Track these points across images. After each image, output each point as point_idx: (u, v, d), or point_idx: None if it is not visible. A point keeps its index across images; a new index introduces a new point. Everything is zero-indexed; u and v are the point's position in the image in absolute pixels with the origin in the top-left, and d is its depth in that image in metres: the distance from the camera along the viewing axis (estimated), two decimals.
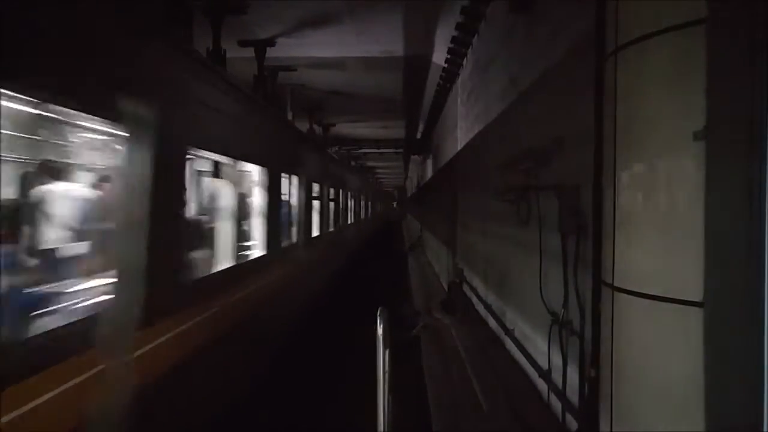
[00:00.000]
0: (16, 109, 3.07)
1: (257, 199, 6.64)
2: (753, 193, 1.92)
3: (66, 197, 3.82)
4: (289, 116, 12.32)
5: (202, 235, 5.34)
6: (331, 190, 13.03)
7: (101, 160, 4.23)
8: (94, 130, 3.84)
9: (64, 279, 3.62)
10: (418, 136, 20.42)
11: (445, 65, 9.92)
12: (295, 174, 8.75)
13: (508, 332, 5.63)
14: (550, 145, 4.29)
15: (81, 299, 3.49)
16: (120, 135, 3.30)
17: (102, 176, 4.23)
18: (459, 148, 10.53)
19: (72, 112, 3.23)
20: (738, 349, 1.96)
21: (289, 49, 9.45)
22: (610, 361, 2.52)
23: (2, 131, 3.09)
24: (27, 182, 3.76)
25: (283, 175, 7.75)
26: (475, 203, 8.26)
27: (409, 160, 30.14)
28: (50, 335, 2.76)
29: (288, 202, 8.39)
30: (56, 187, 3.83)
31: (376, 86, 12.58)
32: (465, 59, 9.24)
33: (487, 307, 7.03)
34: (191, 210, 5.19)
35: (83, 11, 2.91)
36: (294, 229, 8.79)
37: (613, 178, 2.53)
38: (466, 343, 7.52)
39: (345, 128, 18.64)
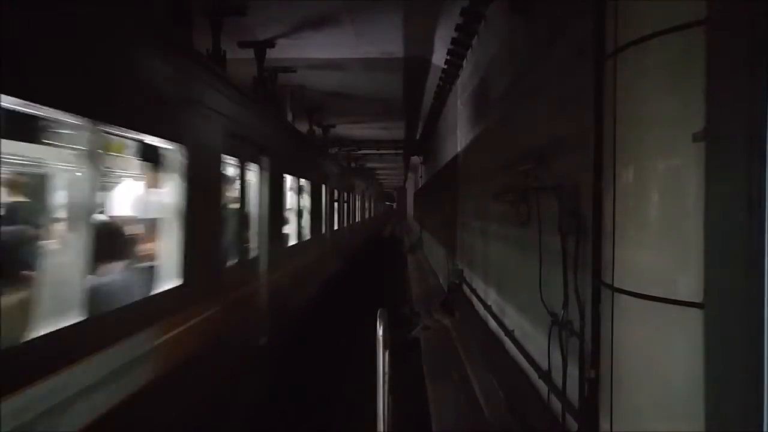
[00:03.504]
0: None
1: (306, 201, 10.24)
2: (753, 194, 1.92)
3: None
4: (289, 117, 12.32)
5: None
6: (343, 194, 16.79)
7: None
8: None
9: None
10: (418, 137, 20.41)
11: (445, 66, 9.92)
12: (325, 184, 12.29)
13: (508, 333, 5.62)
14: (550, 145, 4.30)
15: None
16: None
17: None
18: (459, 149, 10.54)
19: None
20: (738, 349, 1.96)
21: (288, 50, 9.45)
22: (610, 361, 2.52)
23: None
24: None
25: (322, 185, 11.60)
26: (475, 204, 8.27)
27: (408, 161, 30.14)
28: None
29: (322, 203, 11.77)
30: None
31: (376, 87, 12.59)
32: (465, 60, 9.25)
33: (487, 307, 7.02)
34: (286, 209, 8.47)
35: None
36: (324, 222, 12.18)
37: (613, 179, 2.53)
38: (465, 344, 7.51)
39: (345, 129, 18.63)
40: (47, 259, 2.86)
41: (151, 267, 3.92)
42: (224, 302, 4.97)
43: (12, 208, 3.31)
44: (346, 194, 17.07)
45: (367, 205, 27.60)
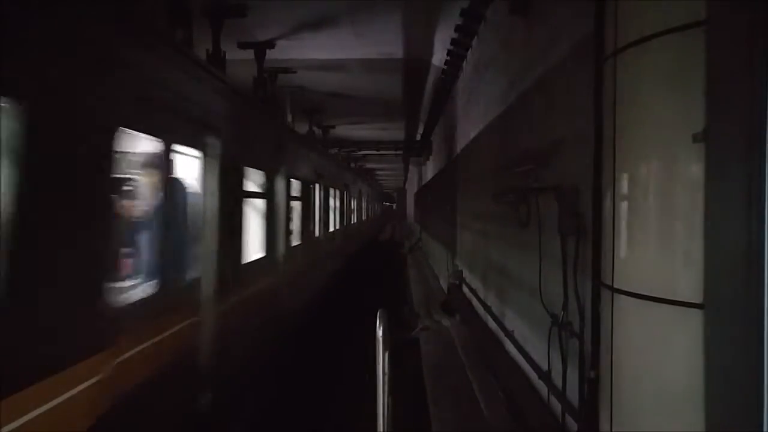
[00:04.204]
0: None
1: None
2: (752, 194, 1.92)
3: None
4: (289, 118, 12.32)
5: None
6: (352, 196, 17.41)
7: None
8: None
9: None
10: (418, 137, 20.42)
11: (445, 67, 9.93)
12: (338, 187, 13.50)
13: (508, 334, 5.62)
14: (549, 146, 4.30)
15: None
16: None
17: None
18: (458, 149, 10.54)
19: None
20: (738, 350, 1.96)
21: (288, 51, 9.45)
22: (610, 362, 2.52)
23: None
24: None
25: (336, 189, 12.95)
26: (475, 205, 8.27)
27: (408, 162, 30.15)
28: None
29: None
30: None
31: (376, 88, 12.59)
32: (464, 61, 9.26)
33: (487, 308, 7.02)
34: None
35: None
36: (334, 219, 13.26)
37: (613, 180, 2.53)
38: (465, 345, 7.51)
39: (345, 130, 18.63)
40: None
41: None
42: None
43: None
44: (320, 190, 10.94)
45: (355, 204, 19.85)
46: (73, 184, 2.68)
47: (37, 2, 2.47)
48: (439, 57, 9.86)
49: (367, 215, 25.92)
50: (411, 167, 31.91)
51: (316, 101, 13.71)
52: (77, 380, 2.63)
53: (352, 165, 24.85)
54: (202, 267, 4.36)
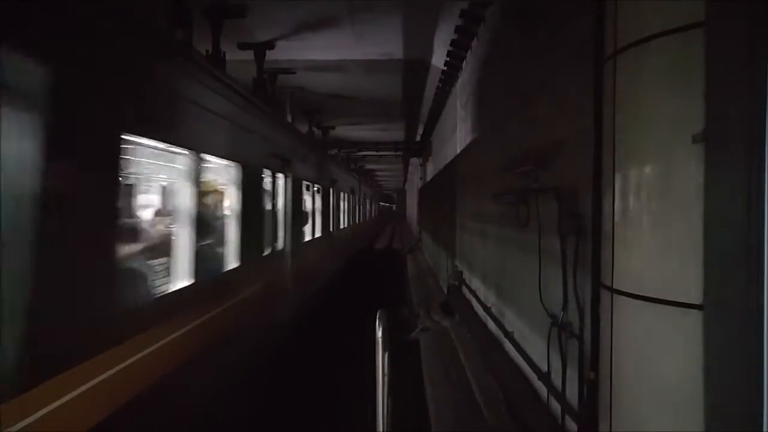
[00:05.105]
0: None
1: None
2: (752, 195, 1.92)
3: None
4: (289, 119, 12.32)
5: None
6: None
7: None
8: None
9: None
10: (418, 138, 20.43)
11: (445, 68, 9.93)
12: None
13: (508, 335, 5.62)
14: (549, 147, 4.29)
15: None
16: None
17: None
18: (458, 150, 10.54)
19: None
20: (737, 351, 1.95)
21: (288, 52, 9.46)
22: (610, 363, 2.52)
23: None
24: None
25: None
26: (475, 205, 8.27)
27: (408, 163, 30.17)
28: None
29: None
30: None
31: (376, 89, 12.60)
32: (464, 62, 9.26)
33: (487, 309, 7.02)
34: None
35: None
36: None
37: (612, 181, 2.53)
38: (465, 346, 7.51)
39: (344, 131, 18.64)
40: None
41: None
42: None
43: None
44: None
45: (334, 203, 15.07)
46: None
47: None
48: (439, 57, 9.87)
49: (356, 219, 22.23)
50: (411, 168, 31.93)
51: (316, 101, 13.72)
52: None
53: (352, 165, 24.81)
54: None
